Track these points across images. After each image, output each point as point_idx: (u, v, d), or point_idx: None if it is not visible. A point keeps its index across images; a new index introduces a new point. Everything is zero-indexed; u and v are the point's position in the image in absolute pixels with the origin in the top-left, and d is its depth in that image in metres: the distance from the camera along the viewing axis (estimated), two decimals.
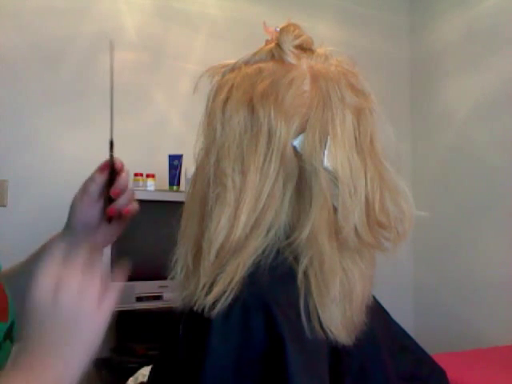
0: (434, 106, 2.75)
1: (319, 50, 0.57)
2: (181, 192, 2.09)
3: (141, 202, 2.25)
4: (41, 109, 2.13)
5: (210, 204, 0.52)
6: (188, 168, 2.11)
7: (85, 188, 0.64)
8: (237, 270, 0.48)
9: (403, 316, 2.67)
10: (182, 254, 0.53)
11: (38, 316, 0.48)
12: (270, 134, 0.51)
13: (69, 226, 0.65)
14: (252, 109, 0.52)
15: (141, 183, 2.04)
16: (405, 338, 0.62)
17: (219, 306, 0.46)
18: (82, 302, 0.48)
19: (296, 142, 0.51)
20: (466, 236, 2.48)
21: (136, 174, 2.06)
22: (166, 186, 2.11)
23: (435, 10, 2.79)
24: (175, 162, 2.10)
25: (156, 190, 2.04)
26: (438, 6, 2.77)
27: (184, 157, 2.12)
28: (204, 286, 0.48)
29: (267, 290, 0.48)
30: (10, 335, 0.59)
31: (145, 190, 2.02)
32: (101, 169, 0.62)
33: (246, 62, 0.57)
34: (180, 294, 0.51)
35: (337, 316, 0.48)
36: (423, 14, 2.88)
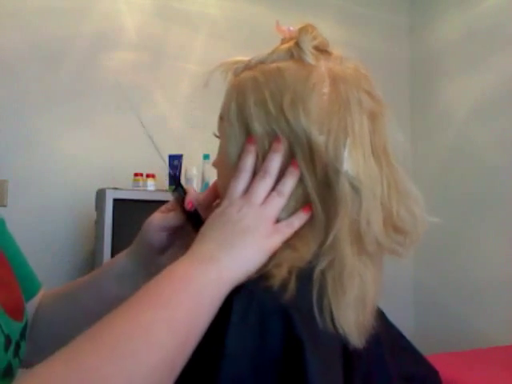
0: (434, 106, 2.75)
1: (335, 53, 0.57)
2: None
3: (141, 202, 2.27)
4: (41, 109, 2.13)
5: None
6: (188, 168, 2.11)
7: (162, 215, 0.64)
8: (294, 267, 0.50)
9: (403, 316, 2.68)
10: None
11: (216, 219, 0.52)
12: (308, 142, 0.51)
13: (135, 245, 0.66)
14: (284, 116, 0.51)
15: (141, 183, 2.04)
16: (402, 339, 0.62)
17: (291, 287, 0.46)
18: (260, 220, 0.51)
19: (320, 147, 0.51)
20: (466, 236, 2.48)
21: (136, 174, 2.06)
22: (166, 186, 2.11)
23: (435, 10, 2.79)
24: (175, 162, 2.10)
25: (156, 190, 2.05)
26: (438, 6, 2.77)
27: (184, 157, 2.12)
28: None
29: (288, 291, 0.47)
30: (24, 335, 0.60)
31: (145, 190, 2.02)
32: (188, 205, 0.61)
33: (263, 61, 0.56)
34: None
35: (351, 318, 0.49)
36: (423, 14, 2.88)
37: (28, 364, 0.63)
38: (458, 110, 2.60)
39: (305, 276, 0.49)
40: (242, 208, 0.52)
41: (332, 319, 0.48)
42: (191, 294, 0.45)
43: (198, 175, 2.14)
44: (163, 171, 2.13)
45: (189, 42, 2.41)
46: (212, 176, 2.09)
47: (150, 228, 0.63)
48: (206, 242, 0.50)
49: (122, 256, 0.67)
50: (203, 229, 0.52)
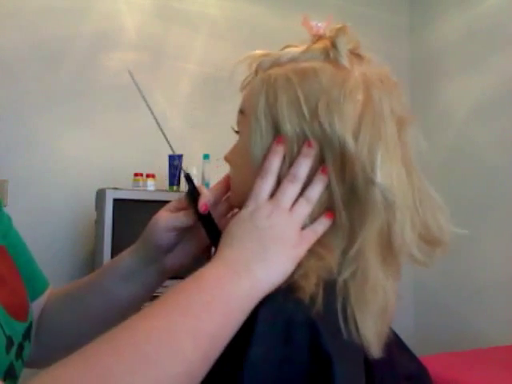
0: (434, 106, 2.75)
1: (368, 57, 0.56)
2: (181, 192, 2.09)
3: (141, 201, 2.27)
4: (41, 109, 2.13)
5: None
6: (188, 168, 2.11)
7: (170, 215, 0.62)
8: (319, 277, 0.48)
9: (403, 316, 2.68)
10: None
11: (244, 229, 0.50)
12: (342, 149, 0.50)
13: (140, 244, 0.64)
14: (318, 120, 0.50)
15: (141, 183, 2.04)
16: (396, 336, 0.62)
17: (319, 300, 0.45)
18: (290, 227, 0.50)
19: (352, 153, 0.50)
20: (466, 236, 2.47)
21: (136, 174, 2.06)
22: (166, 186, 2.11)
23: (435, 10, 2.79)
24: (175, 161, 2.10)
25: (156, 190, 2.05)
26: (438, 6, 2.77)
27: (184, 157, 2.12)
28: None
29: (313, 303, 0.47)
30: (28, 335, 0.59)
31: (145, 190, 2.02)
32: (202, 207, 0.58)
33: (295, 59, 0.54)
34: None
35: (372, 329, 0.48)
36: (423, 14, 2.88)
37: (33, 365, 0.61)
38: (458, 110, 2.60)
39: (329, 286, 0.48)
40: (271, 214, 0.50)
41: (357, 330, 0.47)
42: (221, 306, 0.43)
43: (198, 175, 2.14)
44: (163, 171, 2.13)
45: (189, 42, 2.41)
46: (212, 176, 2.09)
47: (157, 227, 0.61)
48: (238, 248, 0.48)
49: (125, 255, 0.65)
50: (231, 231, 0.51)
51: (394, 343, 0.59)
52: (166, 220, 0.60)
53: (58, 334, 0.68)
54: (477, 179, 2.47)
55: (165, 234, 0.60)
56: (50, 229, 2.10)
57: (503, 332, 2.24)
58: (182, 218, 0.60)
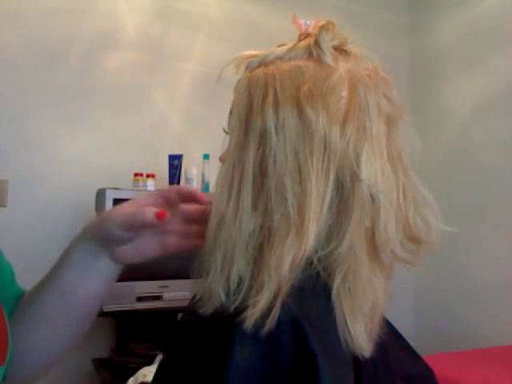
0: (434, 106, 2.75)
1: (354, 52, 0.55)
2: None
3: None
4: (41, 109, 2.13)
5: (268, 222, 0.48)
6: (188, 168, 2.11)
7: (130, 212, 0.57)
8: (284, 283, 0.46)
9: (403, 316, 2.68)
10: (236, 266, 0.49)
11: None
12: (326, 139, 0.49)
13: (91, 234, 0.60)
14: (302, 112, 0.49)
15: (141, 183, 2.04)
16: (400, 338, 0.62)
17: (272, 316, 0.44)
18: None
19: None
20: (466, 236, 2.48)
21: (136, 174, 2.06)
22: (166, 186, 2.11)
23: (435, 9, 2.79)
24: (175, 161, 2.10)
25: (156, 190, 2.04)
26: (438, 6, 2.77)
27: (184, 157, 2.12)
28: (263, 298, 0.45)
29: (297, 303, 0.46)
30: (4, 376, 0.54)
31: (145, 190, 2.02)
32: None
33: (281, 58, 0.54)
34: (211, 301, 0.48)
35: (362, 329, 0.48)
36: (423, 14, 2.88)
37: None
38: (458, 110, 2.60)
39: (316, 285, 0.48)
40: None
41: (347, 329, 0.47)
42: None
43: (198, 175, 2.14)
44: (163, 171, 2.13)
45: (189, 42, 2.41)
46: (212, 176, 2.09)
47: (110, 224, 0.56)
48: None
49: (75, 248, 0.60)
50: None
51: (396, 344, 0.59)
52: (123, 218, 0.56)
53: (20, 344, 0.60)
54: (476, 179, 2.46)
55: (118, 230, 0.56)
56: (49, 229, 2.09)
57: (503, 332, 2.24)
58: (139, 217, 0.55)
